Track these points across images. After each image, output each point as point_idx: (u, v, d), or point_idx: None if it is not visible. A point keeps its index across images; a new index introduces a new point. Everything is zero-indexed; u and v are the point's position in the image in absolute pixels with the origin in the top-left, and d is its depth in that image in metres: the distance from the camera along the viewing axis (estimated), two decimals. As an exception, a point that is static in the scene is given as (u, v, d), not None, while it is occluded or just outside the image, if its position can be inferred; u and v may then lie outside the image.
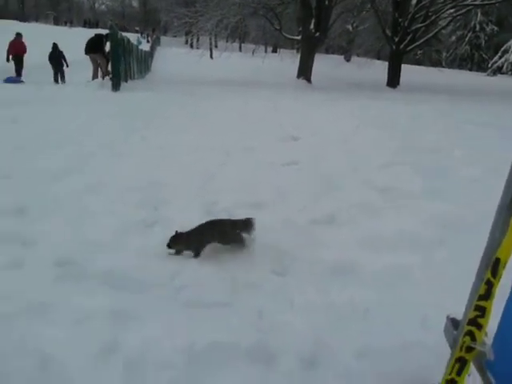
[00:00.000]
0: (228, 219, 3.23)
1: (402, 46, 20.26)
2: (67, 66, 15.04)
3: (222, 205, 3.81)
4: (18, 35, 15.67)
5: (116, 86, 12.31)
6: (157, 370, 1.97)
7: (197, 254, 3.00)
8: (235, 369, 2.01)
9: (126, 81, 14.15)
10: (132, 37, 20.18)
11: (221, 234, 3.04)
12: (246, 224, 3.10)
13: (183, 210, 3.64)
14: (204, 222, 3.07)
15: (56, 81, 14.94)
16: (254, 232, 3.09)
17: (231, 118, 8.27)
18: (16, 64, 15.11)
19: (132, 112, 8.39)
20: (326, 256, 3.03)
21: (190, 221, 3.14)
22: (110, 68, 13.46)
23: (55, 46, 15.28)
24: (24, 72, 15.00)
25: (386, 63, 22.00)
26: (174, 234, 2.98)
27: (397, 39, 20.07)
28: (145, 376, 1.93)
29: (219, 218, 3.30)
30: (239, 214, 3.62)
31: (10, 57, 15.19)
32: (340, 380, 1.99)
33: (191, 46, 45.10)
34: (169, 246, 2.97)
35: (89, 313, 2.28)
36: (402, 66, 21.35)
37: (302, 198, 4.09)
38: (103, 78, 13.88)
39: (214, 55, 35.26)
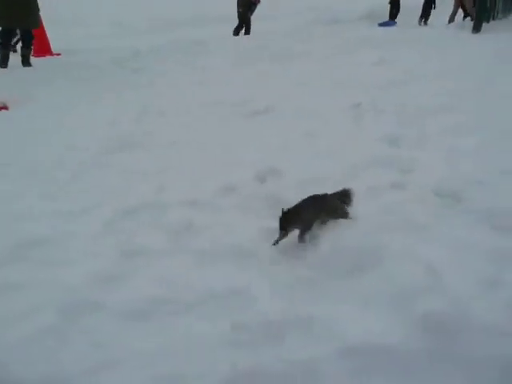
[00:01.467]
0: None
1: None
2: (435, 7, 14.76)
3: None
4: None
5: (477, 27, 11.28)
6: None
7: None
8: None
9: (488, 21, 12.76)
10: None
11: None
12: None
13: None
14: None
15: (420, 23, 14.88)
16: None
17: None
18: (392, 7, 15.70)
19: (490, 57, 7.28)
20: None
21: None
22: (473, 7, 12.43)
23: None
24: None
25: None
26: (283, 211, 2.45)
27: None
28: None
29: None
30: None
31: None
32: None
33: None
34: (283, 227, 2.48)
35: (467, 245, 2.32)
36: None
37: None
38: (463, 19, 13.02)
39: None
